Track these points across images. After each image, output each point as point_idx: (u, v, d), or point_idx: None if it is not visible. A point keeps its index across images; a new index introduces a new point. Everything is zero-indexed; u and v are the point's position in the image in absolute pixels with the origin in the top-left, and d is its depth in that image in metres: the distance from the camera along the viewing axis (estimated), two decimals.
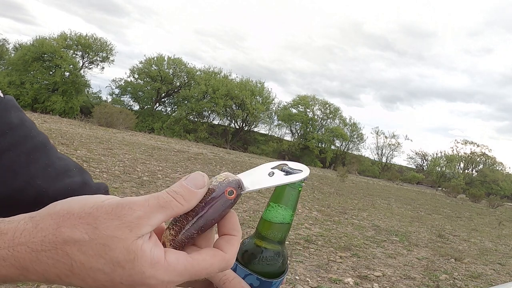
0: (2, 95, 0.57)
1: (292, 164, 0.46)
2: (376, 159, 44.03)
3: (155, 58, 35.11)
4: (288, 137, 40.26)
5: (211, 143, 31.04)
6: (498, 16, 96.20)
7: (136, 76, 35.31)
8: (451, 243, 7.04)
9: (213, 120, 36.23)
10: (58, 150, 0.64)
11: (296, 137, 39.86)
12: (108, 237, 0.34)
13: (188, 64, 36.19)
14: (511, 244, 8.31)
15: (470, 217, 12.77)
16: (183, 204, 0.37)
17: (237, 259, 0.51)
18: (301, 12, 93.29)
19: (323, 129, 39.77)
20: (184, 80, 35.77)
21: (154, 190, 6.21)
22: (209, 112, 35.07)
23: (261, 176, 0.44)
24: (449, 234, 8.02)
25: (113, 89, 35.72)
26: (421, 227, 8.31)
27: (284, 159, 0.49)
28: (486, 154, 46.24)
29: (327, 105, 40.16)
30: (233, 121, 37.09)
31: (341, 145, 41.09)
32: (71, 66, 29.68)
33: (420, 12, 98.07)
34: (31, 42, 29.66)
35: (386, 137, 44.27)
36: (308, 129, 38.97)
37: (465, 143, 47.09)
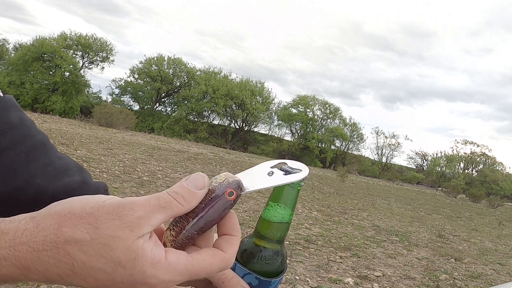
0: (2, 95, 0.57)
1: (292, 163, 0.46)
2: (376, 159, 44.05)
3: (155, 58, 35.12)
4: (288, 137, 40.32)
5: (211, 143, 31.04)
6: (498, 16, 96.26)
7: (136, 76, 35.33)
8: (451, 243, 7.04)
9: (213, 120, 36.28)
10: (58, 150, 0.64)
11: (296, 137, 39.88)
12: (109, 236, 0.34)
13: (188, 64, 36.24)
14: (511, 244, 8.32)
15: (470, 217, 12.77)
16: (184, 205, 0.37)
17: (236, 258, 0.51)
18: (301, 12, 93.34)
19: (323, 129, 39.78)
20: (184, 80, 35.77)
21: (154, 190, 6.21)
22: (209, 112, 35.09)
23: (260, 176, 0.44)
24: (449, 234, 8.02)
25: (113, 89, 35.78)
26: (421, 227, 8.31)
27: (284, 159, 0.49)
28: (486, 154, 46.29)
29: (327, 105, 40.20)
30: (233, 121, 37.12)
31: (341, 145, 41.12)
32: (71, 66, 29.69)
33: (420, 12, 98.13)
34: (31, 42, 29.69)
35: (386, 137, 44.32)
36: (308, 129, 38.98)
37: (465, 143, 47.13)
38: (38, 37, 29.95)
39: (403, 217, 9.48)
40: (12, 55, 31.09)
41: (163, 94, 35.45)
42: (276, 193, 0.50)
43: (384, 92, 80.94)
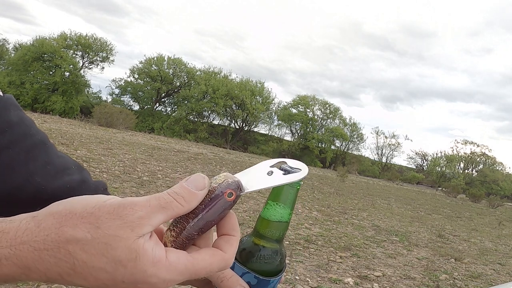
0: (1, 94, 0.57)
1: (291, 162, 0.46)
2: (376, 159, 44.05)
3: (155, 58, 35.12)
4: (288, 137, 40.33)
5: (211, 143, 31.04)
6: (498, 16, 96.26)
7: (136, 76, 35.33)
8: (451, 243, 7.04)
9: (213, 120, 36.29)
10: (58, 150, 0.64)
11: (296, 137, 39.88)
12: (110, 236, 0.34)
13: (188, 64, 36.24)
14: (511, 244, 8.32)
15: (470, 217, 12.78)
16: (184, 205, 0.38)
17: (235, 257, 0.51)
18: (301, 12, 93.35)
19: (323, 129, 39.78)
20: (184, 80, 35.78)
21: (154, 190, 6.21)
22: (209, 112, 35.10)
23: (260, 176, 0.44)
24: (449, 234, 8.03)
25: (113, 89, 35.78)
26: (421, 227, 8.31)
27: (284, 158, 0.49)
28: (486, 154, 46.29)
29: (327, 105, 40.20)
30: (233, 121, 37.12)
31: (341, 145, 41.13)
32: (71, 66, 29.69)
33: (420, 12, 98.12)
34: (31, 42, 29.70)
35: (386, 137, 44.32)
36: (308, 129, 38.98)
37: (465, 143, 47.13)
38: (38, 37, 29.99)
39: (403, 217, 9.48)
40: (12, 55, 31.10)
41: (163, 94, 35.45)
42: (275, 192, 0.50)
43: (384, 92, 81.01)
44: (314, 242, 5.06)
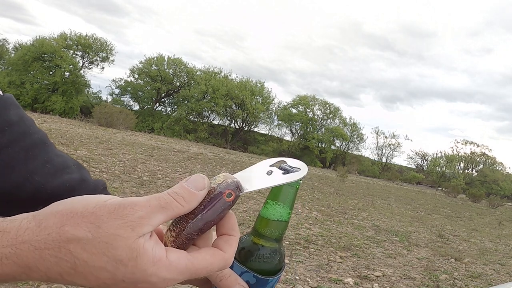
0: (1, 93, 0.57)
1: (291, 162, 0.46)
2: (376, 159, 44.04)
3: (155, 58, 35.12)
4: (288, 137, 40.32)
5: (211, 143, 31.04)
6: (498, 16, 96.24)
7: (136, 76, 35.33)
8: (451, 243, 7.04)
9: (213, 120, 36.29)
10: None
11: (296, 137, 39.88)
12: (111, 235, 0.35)
13: (188, 64, 36.24)
14: (511, 244, 8.32)
15: (470, 217, 12.78)
16: (184, 205, 0.38)
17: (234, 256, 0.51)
18: (301, 12, 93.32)
19: (323, 129, 39.78)
20: (184, 80, 35.78)
21: (154, 190, 6.21)
22: (209, 112, 35.09)
23: (259, 176, 0.44)
24: (449, 234, 8.03)
25: (113, 89, 35.78)
26: (421, 227, 8.32)
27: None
28: (486, 154, 46.28)
29: (327, 105, 40.19)
30: (233, 121, 37.12)
31: (341, 145, 41.12)
32: (71, 66, 29.69)
33: (420, 12, 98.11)
34: (31, 42, 29.69)
35: (386, 137, 44.31)
36: (308, 129, 38.98)
37: (465, 143, 47.12)
38: (38, 37, 29.99)
39: (403, 217, 9.48)
40: (12, 55, 31.10)
41: (163, 94, 35.45)
42: (275, 192, 0.50)
43: (384, 92, 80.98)
44: (314, 242, 5.06)
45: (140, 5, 67.35)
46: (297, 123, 39.05)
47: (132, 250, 0.35)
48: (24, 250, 0.35)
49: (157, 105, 36.08)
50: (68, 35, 31.36)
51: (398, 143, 44.03)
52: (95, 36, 32.35)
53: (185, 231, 0.39)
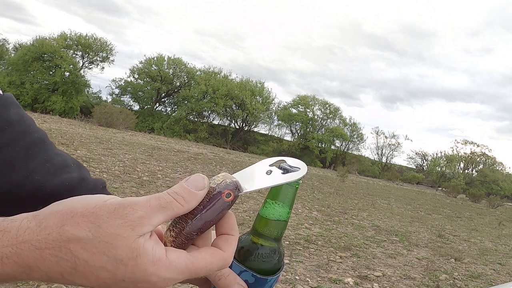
0: (1, 92, 0.57)
1: (290, 161, 0.46)
2: (376, 159, 44.04)
3: (155, 58, 35.13)
4: (288, 137, 40.32)
5: (211, 143, 31.03)
6: (498, 16, 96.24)
7: (136, 76, 35.34)
8: (451, 243, 7.04)
9: (213, 120, 36.29)
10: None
11: (296, 137, 39.88)
12: (111, 235, 0.35)
13: (188, 64, 36.24)
14: (511, 244, 8.32)
15: (470, 217, 12.78)
16: (184, 205, 0.38)
17: None
18: (301, 12, 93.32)
19: (323, 129, 39.78)
20: (184, 80, 35.78)
21: (154, 190, 6.21)
22: (209, 112, 35.09)
23: (259, 176, 0.44)
24: (449, 234, 8.03)
25: (113, 89, 35.78)
26: (421, 227, 8.32)
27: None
28: (486, 154, 46.28)
29: (327, 105, 40.20)
30: (233, 121, 37.12)
31: (341, 145, 41.12)
32: (71, 66, 29.69)
33: (420, 12, 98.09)
34: (31, 42, 29.70)
35: (386, 137, 44.31)
36: (308, 129, 38.98)
37: (465, 143, 47.12)
38: (38, 37, 29.99)
39: (403, 217, 9.48)
40: (12, 55, 31.10)
41: (163, 94, 35.45)
42: (274, 191, 0.50)
43: (384, 92, 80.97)
44: (314, 242, 5.06)
45: (140, 5, 67.38)
46: (297, 123, 39.05)
47: (132, 249, 0.35)
48: (25, 250, 0.35)
49: (157, 105, 36.09)
50: (68, 35, 31.37)
51: (398, 143, 44.07)
52: (95, 36, 32.40)
53: (184, 231, 0.39)
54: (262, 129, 39.94)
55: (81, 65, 31.69)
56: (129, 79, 35.57)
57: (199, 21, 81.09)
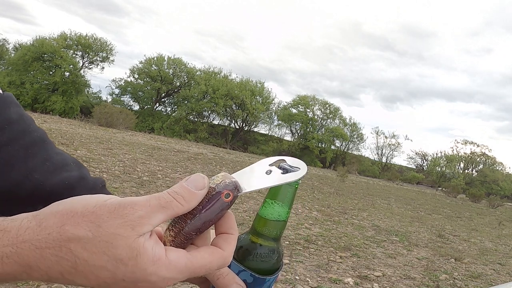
0: (1, 92, 0.58)
1: (290, 161, 0.46)
2: (376, 159, 44.04)
3: (155, 58, 35.13)
4: (288, 137, 40.31)
5: (211, 143, 31.03)
6: (498, 16, 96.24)
7: (136, 76, 35.34)
8: (451, 243, 7.04)
9: (213, 120, 36.29)
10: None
11: (296, 137, 39.87)
12: (111, 234, 0.35)
13: (188, 64, 36.24)
14: (511, 244, 8.32)
15: (470, 217, 12.78)
16: (184, 205, 0.38)
17: None
18: (301, 12, 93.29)
19: (323, 129, 39.78)
20: (184, 80, 35.78)
21: (154, 190, 6.21)
22: (209, 112, 35.09)
23: (258, 175, 0.44)
24: (449, 234, 8.03)
25: (113, 89, 35.79)
26: (421, 227, 8.32)
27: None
28: (486, 154, 46.27)
29: (327, 105, 40.19)
30: (233, 121, 37.12)
31: (341, 145, 41.12)
32: (71, 66, 29.69)
33: (420, 12, 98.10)
34: (31, 42, 29.69)
35: (386, 137, 44.31)
36: (308, 129, 38.97)
37: (465, 143, 47.11)
38: (38, 37, 29.99)
39: (403, 217, 9.48)
40: (12, 55, 31.11)
41: (163, 94, 35.45)
42: (274, 191, 0.49)
43: (384, 92, 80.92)
44: (314, 242, 5.06)
45: (140, 5, 67.35)
46: (297, 123, 39.05)
47: (132, 249, 0.35)
48: (25, 249, 0.35)
49: (157, 105, 36.10)
50: (68, 35, 31.37)
51: (398, 143, 44.06)
52: (95, 36, 32.40)
53: (184, 231, 0.39)
54: (262, 129, 39.99)
55: (81, 65, 31.71)
56: (129, 79, 35.61)
57: (199, 21, 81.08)
